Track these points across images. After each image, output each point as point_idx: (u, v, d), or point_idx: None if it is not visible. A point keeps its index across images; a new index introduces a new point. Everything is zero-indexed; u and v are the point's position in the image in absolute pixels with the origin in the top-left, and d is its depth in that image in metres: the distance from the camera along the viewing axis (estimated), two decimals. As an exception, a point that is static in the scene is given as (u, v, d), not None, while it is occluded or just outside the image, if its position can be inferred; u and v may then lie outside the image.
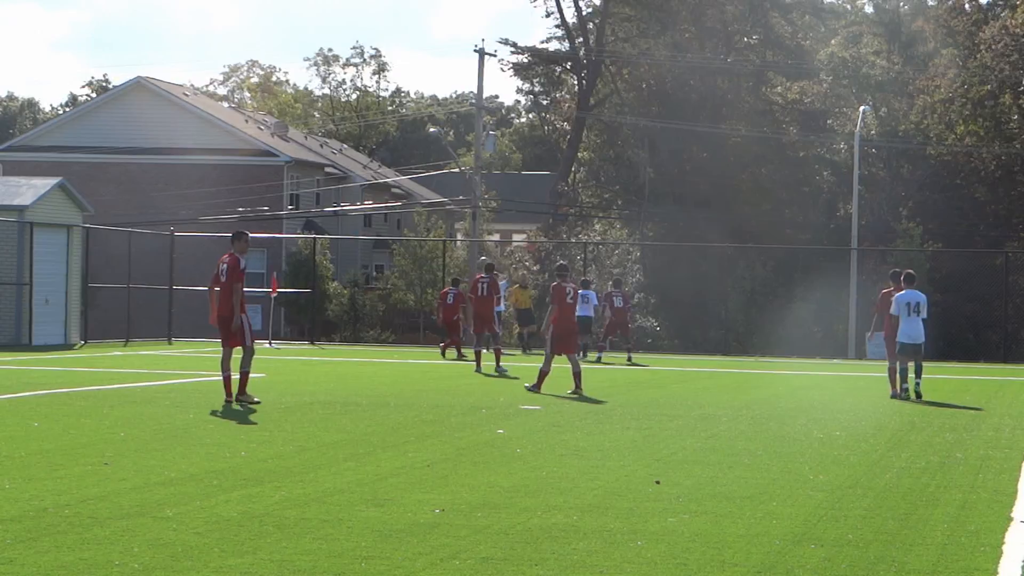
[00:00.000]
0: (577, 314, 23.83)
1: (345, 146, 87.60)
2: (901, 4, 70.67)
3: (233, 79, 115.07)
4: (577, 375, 22.74)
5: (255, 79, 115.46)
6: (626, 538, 9.68)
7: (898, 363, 22.50)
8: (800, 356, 41.10)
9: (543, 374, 22.82)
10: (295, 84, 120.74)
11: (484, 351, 29.71)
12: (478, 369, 28.57)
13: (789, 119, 67.29)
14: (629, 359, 35.76)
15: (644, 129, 65.56)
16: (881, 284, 55.68)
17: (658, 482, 12.30)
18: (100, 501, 10.75)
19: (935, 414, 20.23)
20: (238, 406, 18.85)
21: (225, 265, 19.44)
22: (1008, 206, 60.84)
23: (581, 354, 32.60)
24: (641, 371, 31.33)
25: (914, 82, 63.10)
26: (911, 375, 22.56)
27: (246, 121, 70.83)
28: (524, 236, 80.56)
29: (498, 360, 28.39)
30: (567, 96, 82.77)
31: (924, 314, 22.77)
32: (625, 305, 36.97)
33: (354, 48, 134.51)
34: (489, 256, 70.42)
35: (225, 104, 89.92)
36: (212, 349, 33.81)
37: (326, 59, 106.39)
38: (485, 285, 29.52)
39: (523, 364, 31.32)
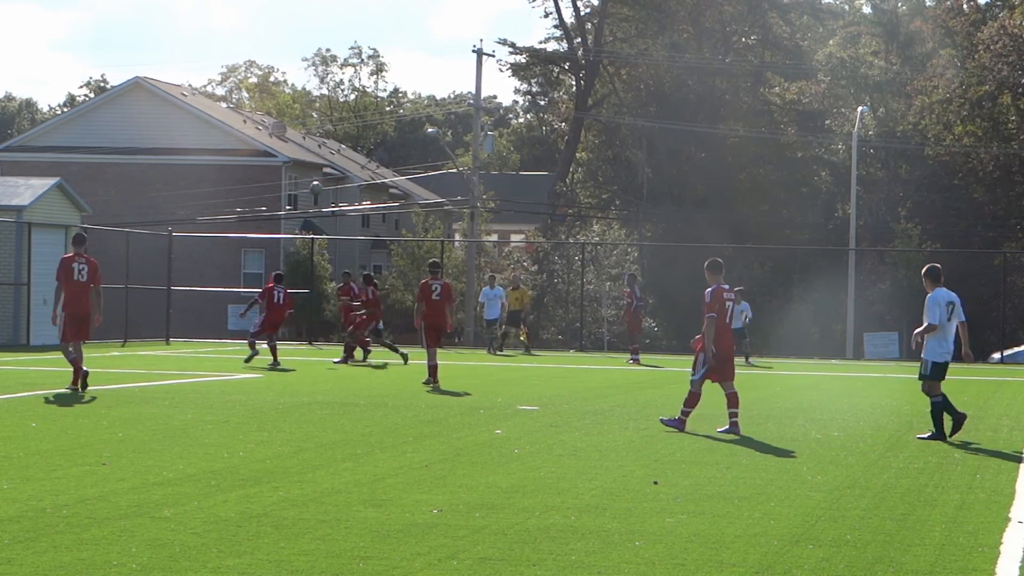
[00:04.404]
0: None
1: (343, 146, 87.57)
2: (899, 4, 70.70)
3: (231, 79, 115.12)
4: (433, 368, 23.63)
5: (253, 79, 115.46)
6: (624, 538, 9.68)
7: None
8: (798, 356, 41.09)
9: (431, 368, 23.64)
10: (293, 84, 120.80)
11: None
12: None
13: (787, 119, 67.34)
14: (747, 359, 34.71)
15: (642, 129, 65.59)
16: (879, 283, 55.96)
17: (656, 482, 12.30)
18: (98, 501, 10.75)
19: (933, 414, 20.21)
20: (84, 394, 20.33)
21: (85, 266, 20.89)
22: (1006, 206, 60.86)
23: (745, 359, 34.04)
24: (641, 372, 31.29)
25: (912, 82, 63.14)
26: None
27: (244, 121, 70.78)
28: (522, 236, 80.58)
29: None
30: (565, 96, 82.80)
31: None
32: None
33: (352, 48, 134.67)
34: (488, 256, 70.42)
35: (223, 104, 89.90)
36: (210, 350, 33.80)
37: (324, 59, 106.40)
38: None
39: (527, 364, 31.29)
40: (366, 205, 70.05)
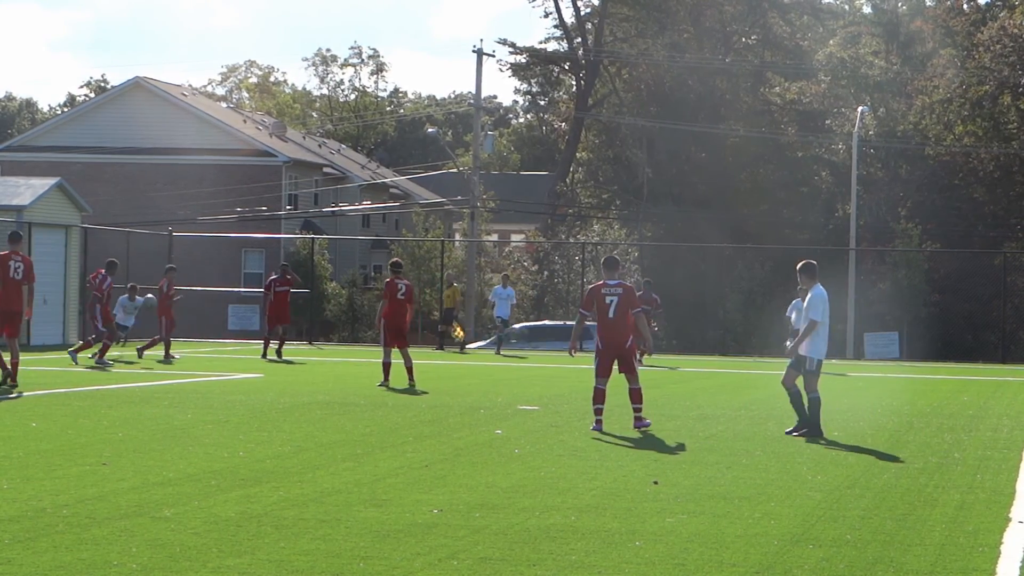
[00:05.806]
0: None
1: (343, 146, 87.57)
2: (899, 4, 70.69)
3: (231, 79, 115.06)
4: (409, 369, 23.48)
5: (253, 79, 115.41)
6: (624, 538, 9.68)
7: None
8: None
9: (386, 366, 23.66)
10: (293, 84, 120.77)
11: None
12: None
13: (787, 119, 67.29)
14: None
15: (642, 129, 65.58)
16: (879, 283, 55.97)
17: (656, 482, 12.30)
18: (98, 501, 10.75)
19: (933, 414, 20.23)
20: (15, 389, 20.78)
21: (21, 264, 21.39)
22: (1006, 206, 60.85)
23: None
24: (640, 372, 31.23)
25: (912, 82, 63.12)
26: None
27: (244, 121, 70.78)
28: (522, 236, 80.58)
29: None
30: (565, 96, 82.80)
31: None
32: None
33: (352, 48, 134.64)
34: (488, 256, 70.38)
35: (223, 104, 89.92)
36: (209, 350, 33.81)
37: (324, 59, 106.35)
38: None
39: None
40: (366, 205, 70.06)
